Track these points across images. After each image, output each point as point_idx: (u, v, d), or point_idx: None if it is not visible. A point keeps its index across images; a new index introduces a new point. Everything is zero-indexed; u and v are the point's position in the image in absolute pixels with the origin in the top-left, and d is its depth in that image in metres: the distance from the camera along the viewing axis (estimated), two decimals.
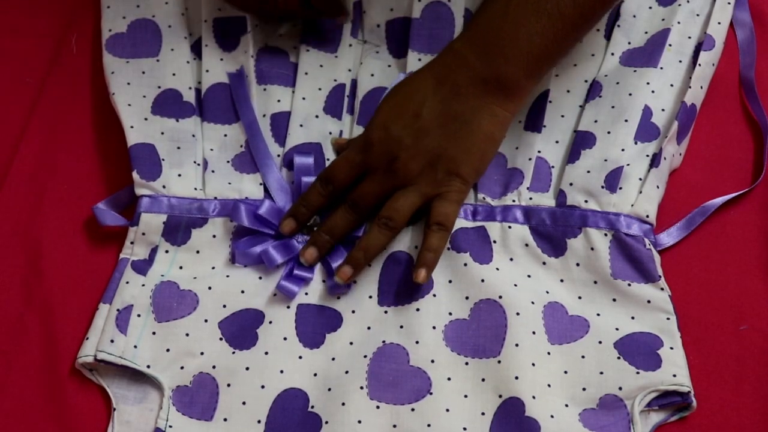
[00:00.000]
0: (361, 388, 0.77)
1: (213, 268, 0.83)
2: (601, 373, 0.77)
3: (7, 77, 0.94)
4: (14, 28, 0.97)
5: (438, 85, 0.82)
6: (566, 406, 0.76)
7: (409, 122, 0.81)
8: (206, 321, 0.80)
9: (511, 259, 0.82)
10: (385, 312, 0.80)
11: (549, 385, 0.77)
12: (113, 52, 0.92)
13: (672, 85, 0.88)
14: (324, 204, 0.83)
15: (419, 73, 0.84)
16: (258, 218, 0.82)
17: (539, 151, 0.86)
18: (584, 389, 0.77)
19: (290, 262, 0.82)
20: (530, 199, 0.84)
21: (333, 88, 0.91)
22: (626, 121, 0.86)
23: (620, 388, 0.77)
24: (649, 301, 0.80)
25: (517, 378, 0.76)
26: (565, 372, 0.78)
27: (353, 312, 0.81)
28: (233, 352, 0.79)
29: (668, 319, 0.80)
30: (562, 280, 0.82)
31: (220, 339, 0.80)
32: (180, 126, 0.88)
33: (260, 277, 0.82)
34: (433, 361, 0.77)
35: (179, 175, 0.85)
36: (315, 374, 0.78)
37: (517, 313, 0.79)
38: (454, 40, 0.85)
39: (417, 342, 0.78)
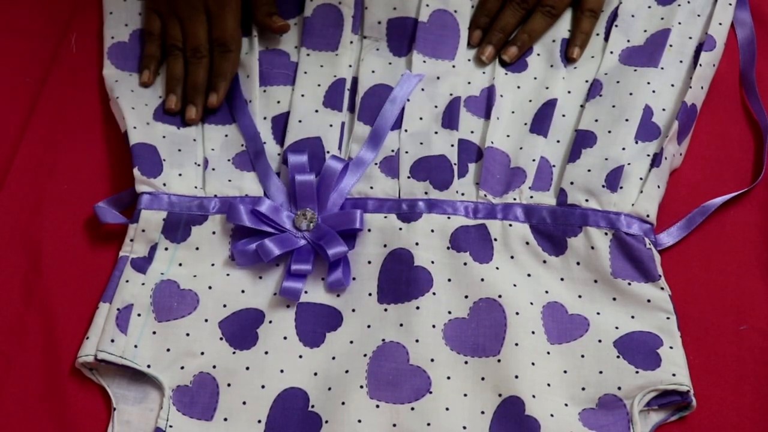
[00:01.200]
0: (361, 387, 0.77)
1: (213, 265, 0.82)
2: (601, 372, 0.77)
3: (7, 77, 0.94)
4: (14, 28, 0.97)
5: None
6: (566, 405, 0.76)
7: None
8: (206, 321, 0.80)
9: (512, 257, 0.82)
10: (385, 310, 0.80)
11: (549, 385, 0.77)
12: (116, 64, 0.92)
13: (673, 85, 0.89)
14: (500, 7, 0.94)
15: None
16: (257, 216, 0.82)
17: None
18: (584, 389, 0.77)
19: (288, 261, 0.82)
20: (531, 197, 0.84)
21: (333, 82, 0.91)
22: (627, 120, 0.86)
23: (619, 388, 0.77)
24: (649, 301, 0.80)
25: (516, 377, 0.76)
26: (565, 371, 0.78)
27: (353, 310, 0.80)
28: (233, 352, 0.79)
29: (668, 318, 0.80)
30: (562, 279, 0.82)
31: (221, 339, 0.80)
32: (181, 132, 0.88)
33: (260, 277, 0.82)
34: (432, 360, 0.77)
35: (180, 175, 0.85)
36: (315, 373, 0.78)
37: (517, 313, 0.79)
38: None
39: (417, 341, 0.78)
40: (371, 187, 0.85)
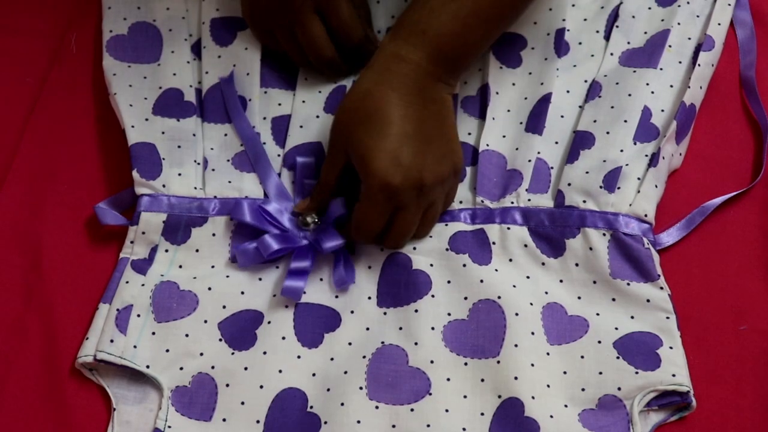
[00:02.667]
0: (361, 388, 0.77)
1: (213, 267, 0.83)
2: (601, 373, 0.77)
3: (7, 77, 0.94)
4: (14, 28, 0.97)
5: (399, 95, 0.78)
6: (566, 406, 0.76)
7: (413, 146, 0.77)
8: (206, 322, 0.80)
9: (511, 260, 0.82)
10: (384, 313, 0.80)
11: (548, 386, 0.77)
12: (114, 55, 0.92)
13: (672, 86, 0.88)
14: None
15: (371, 93, 0.79)
16: (261, 213, 0.82)
17: (538, 152, 0.86)
18: (583, 389, 0.77)
19: (288, 262, 0.82)
20: (529, 200, 0.84)
21: (334, 89, 0.91)
22: (625, 121, 0.86)
23: (619, 388, 0.77)
24: (648, 301, 0.80)
25: (516, 378, 0.76)
26: (565, 372, 0.78)
27: (352, 312, 0.81)
28: (232, 353, 0.79)
29: (668, 318, 0.79)
30: (561, 281, 0.82)
31: (220, 340, 0.80)
32: (181, 125, 0.88)
33: (260, 278, 0.82)
34: (432, 362, 0.77)
35: (179, 174, 0.85)
36: (314, 374, 0.78)
37: (516, 314, 0.79)
38: (384, 42, 0.82)
39: (416, 343, 0.78)
40: None
